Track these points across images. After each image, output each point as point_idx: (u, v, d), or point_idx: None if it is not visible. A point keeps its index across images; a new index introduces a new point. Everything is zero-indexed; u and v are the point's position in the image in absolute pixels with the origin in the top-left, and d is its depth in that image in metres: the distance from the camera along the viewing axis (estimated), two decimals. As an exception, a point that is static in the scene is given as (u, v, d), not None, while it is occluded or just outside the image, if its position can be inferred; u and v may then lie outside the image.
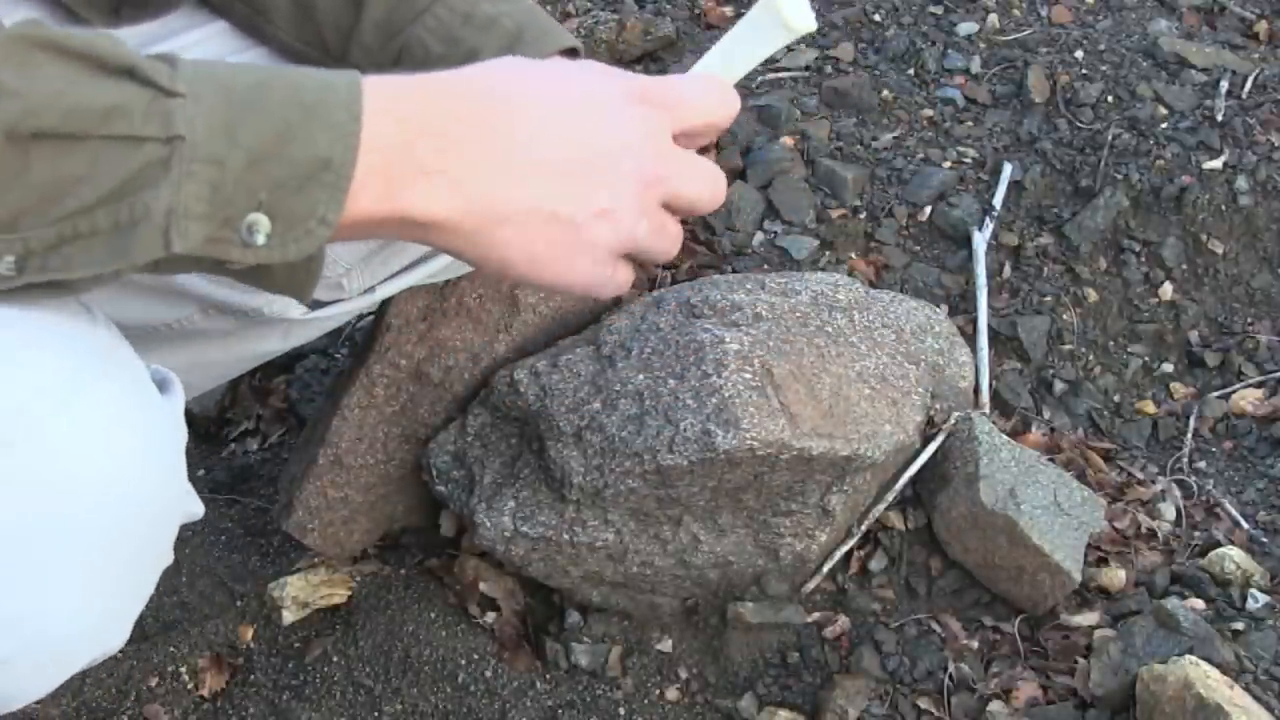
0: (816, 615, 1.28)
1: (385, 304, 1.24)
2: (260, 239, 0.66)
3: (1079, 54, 1.90)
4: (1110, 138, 1.76)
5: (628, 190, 0.76)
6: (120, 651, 0.83)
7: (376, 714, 1.22)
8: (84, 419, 0.67)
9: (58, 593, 0.69)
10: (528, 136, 0.73)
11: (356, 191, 0.68)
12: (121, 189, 0.63)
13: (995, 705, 1.19)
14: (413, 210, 0.71)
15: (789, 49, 1.92)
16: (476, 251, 0.75)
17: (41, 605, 0.68)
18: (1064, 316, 1.67)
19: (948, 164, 1.77)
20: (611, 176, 0.75)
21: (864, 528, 1.30)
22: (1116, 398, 1.65)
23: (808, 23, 0.89)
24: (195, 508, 0.79)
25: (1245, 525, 1.42)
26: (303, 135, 0.66)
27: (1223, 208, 1.72)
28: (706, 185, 0.80)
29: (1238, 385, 1.65)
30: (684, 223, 0.85)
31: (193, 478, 0.77)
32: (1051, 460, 1.38)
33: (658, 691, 1.25)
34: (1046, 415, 1.59)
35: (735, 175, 1.71)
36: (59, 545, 0.67)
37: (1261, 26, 2.01)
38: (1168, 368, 1.68)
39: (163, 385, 0.76)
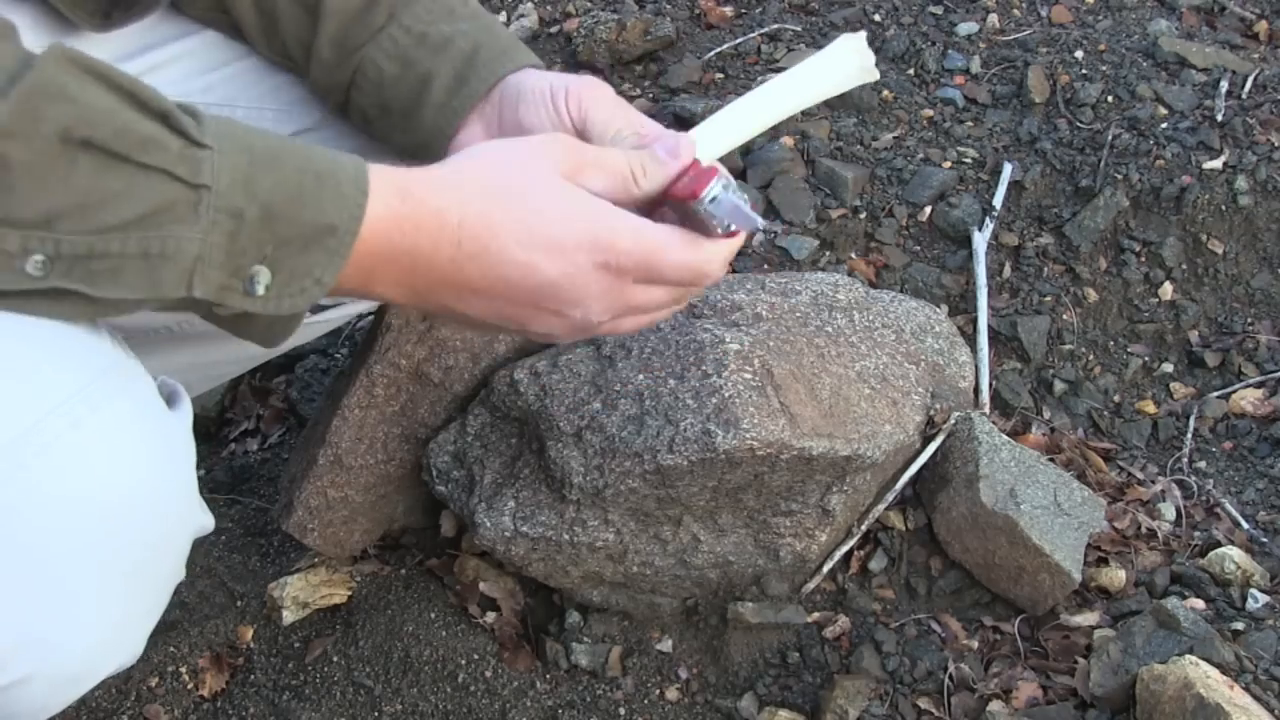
0: (816, 615, 1.28)
1: (385, 304, 1.24)
2: (260, 290, 0.70)
3: (1079, 54, 1.90)
4: (1110, 138, 1.76)
5: (570, 329, 0.83)
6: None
7: (376, 714, 1.22)
8: (96, 436, 0.68)
9: (73, 611, 0.69)
10: (486, 281, 0.79)
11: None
12: (153, 215, 0.66)
13: (995, 705, 1.19)
14: (382, 296, 0.79)
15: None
16: None
17: (56, 624, 0.68)
18: (1064, 316, 1.67)
19: (948, 164, 1.77)
20: (556, 321, 0.82)
21: (864, 528, 1.30)
22: (1116, 398, 1.65)
23: (874, 72, 0.92)
24: (207, 521, 0.79)
25: (1245, 525, 1.42)
26: (314, 200, 0.70)
27: (1223, 208, 1.72)
28: (647, 325, 0.88)
29: (1238, 385, 1.65)
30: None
31: (192, 478, 0.77)
32: (1051, 460, 1.38)
33: (658, 691, 1.25)
34: (1046, 415, 1.59)
35: (736, 175, 1.71)
36: (73, 563, 0.67)
37: (1261, 26, 2.01)
38: (1168, 368, 1.68)
39: (171, 398, 0.77)
